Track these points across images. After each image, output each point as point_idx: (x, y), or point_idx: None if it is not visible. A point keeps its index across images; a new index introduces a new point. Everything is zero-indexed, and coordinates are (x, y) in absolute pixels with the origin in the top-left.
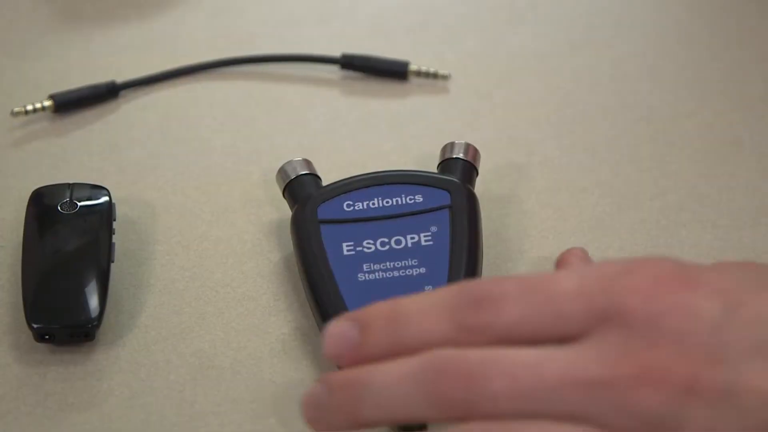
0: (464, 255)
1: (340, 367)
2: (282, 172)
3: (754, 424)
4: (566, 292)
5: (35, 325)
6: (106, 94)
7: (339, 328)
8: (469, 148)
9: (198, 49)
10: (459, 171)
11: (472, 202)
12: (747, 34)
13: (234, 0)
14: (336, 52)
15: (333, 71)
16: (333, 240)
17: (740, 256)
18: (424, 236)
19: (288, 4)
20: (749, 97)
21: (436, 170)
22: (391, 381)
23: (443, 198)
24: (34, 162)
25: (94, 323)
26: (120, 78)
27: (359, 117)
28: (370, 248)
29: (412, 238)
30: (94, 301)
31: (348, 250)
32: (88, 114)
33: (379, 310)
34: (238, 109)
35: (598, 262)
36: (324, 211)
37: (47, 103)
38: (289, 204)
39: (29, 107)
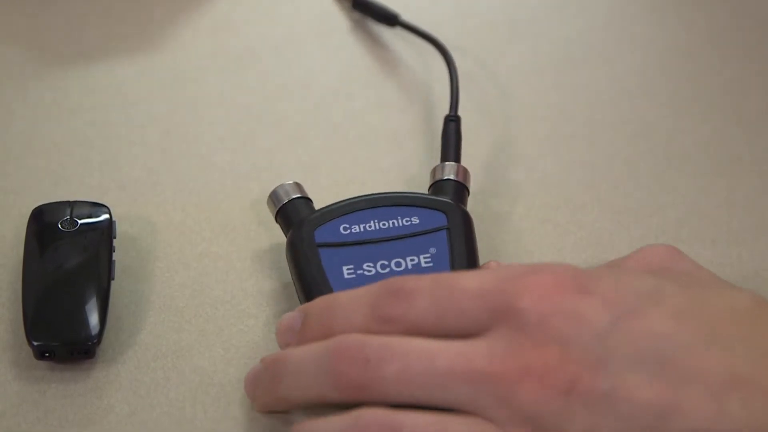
0: None
1: None
2: (274, 196)
3: None
4: (468, 290)
5: (35, 343)
6: None
7: (288, 319)
8: (459, 168)
9: (200, 70)
10: (452, 192)
11: (468, 222)
12: (746, 50)
13: (233, 17)
14: (336, 66)
15: (334, 88)
16: (333, 264)
17: (739, 273)
18: (424, 258)
19: (288, 20)
20: (748, 113)
21: (427, 192)
22: (302, 359)
23: (440, 219)
24: (34, 179)
25: (94, 341)
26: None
27: (358, 134)
28: (371, 271)
29: (412, 260)
30: (94, 319)
31: (349, 274)
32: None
33: (319, 301)
34: (239, 125)
35: (507, 264)
36: (321, 235)
37: None
38: (282, 228)
39: None
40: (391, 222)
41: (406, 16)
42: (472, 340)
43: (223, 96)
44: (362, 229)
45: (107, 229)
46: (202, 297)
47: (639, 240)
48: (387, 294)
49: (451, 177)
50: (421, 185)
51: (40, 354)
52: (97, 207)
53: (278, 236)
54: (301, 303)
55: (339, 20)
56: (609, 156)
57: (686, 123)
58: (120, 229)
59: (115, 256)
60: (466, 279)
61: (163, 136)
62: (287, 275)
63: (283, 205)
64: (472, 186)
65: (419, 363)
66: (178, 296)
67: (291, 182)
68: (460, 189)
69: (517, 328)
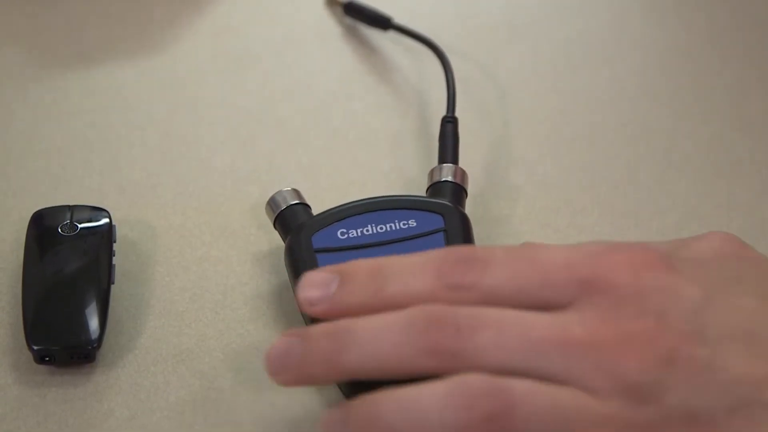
0: None
1: (311, 321)
2: (272, 202)
3: (728, 403)
4: (554, 262)
5: (35, 347)
6: None
7: (319, 276)
8: (457, 170)
9: (200, 72)
10: (449, 194)
11: (465, 224)
12: (747, 53)
13: (235, 20)
14: (333, 70)
15: (332, 91)
16: None
17: None
18: None
19: (289, 23)
20: (749, 116)
21: (425, 194)
22: (380, 329)
23: (437, 222)
24: (34, 182)
25: (95, 345)
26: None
27: (358, 136)
28: None
29: None
30: (94, 323)
31: None
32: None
33: (361, 264)
34: (238, 128)
35: (577, 244)
36: (319, 240)
37: None
38: (280, 234)
39: None
40: (388, 225)
41: (405, 20)
42: (560, 311)
43: (223, 98)
44: (359, 234)
45: (107, 233)
46: (202, 301)
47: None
48: (456, 260)
49: (449, 179)
50: (419, 187)
51: (40, 358)
52: (97, 211)
53: (278, 240)
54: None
55: (332, 26)
56: (609, 159)
57: (686, 125)
58: (120, 232)
59: (115, 260)
60: (550, 252)
61: (163, 139)
62: (287, 279)
63: (281, 211)
64: (471, 188)
65: (513, 332)
66: (178, 300)
67: (289, 188)
68: (457, 191)
69: (612, 300)
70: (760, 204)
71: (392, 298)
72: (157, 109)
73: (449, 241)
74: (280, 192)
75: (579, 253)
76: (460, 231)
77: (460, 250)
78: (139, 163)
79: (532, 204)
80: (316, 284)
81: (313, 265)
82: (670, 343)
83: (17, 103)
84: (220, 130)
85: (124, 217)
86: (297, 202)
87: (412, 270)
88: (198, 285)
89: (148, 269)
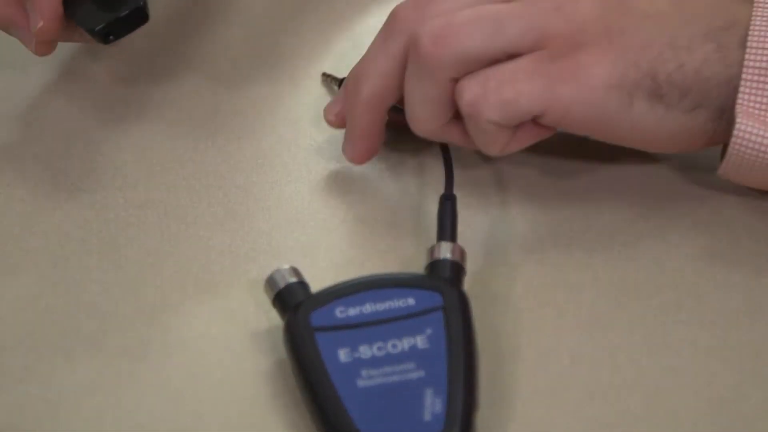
0: (462, 356)
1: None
2: (270, 281)
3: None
4: None
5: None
6: None
7: (331, 105)
8: (455, 248)
9: (198, 151)
10: (448, 272)
11: (464, 302)
12: None
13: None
14: (331, 149)
15: (327, 168)
16: (329, 347)
17: (736, 355)
18: (420, 339)
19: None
20: None
21: (424, 272)
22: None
23: (436, 300)
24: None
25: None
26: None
27: (356, 215)
28: (367, 354)
29: (409, 342)
30: None
31: (345, 357)
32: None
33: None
34: (237, 207)
35: None
36: (317, 318)
37: None
38: (279, 313)
39: None
40: (386, 304)
41: None
42: None
43: (222, 177)
44: (358, 312)
45: None
46: (200, 379)
47: (638, 320)
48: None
49: (447, 257)
50: (417, 265)
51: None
52: None
53: (276, 317)
54: (298, 386)
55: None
56: (606, 236)
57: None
58: (119, 310)
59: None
60: None
61: (161, 218)
62: (285, 356)
63: (280, 290)
64: (469, 266)
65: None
66: (175, 377)
67: (287, 267)
68: (456, 269)
69: None
70: (756, 284)
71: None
72: (156, 189)
73: (448, 320)
74: (278, 270)
75: None
76: (458, 309)
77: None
78: (137, 241)
79: (530, 281)
80: (332, 111)
81: (312, 344)
82: None
83: (17, 183)
84: (219, 209)
85: (122, 295)
86: (295, 280)
87: (384, 40)
88: (196, 363)
89: (144, 346)
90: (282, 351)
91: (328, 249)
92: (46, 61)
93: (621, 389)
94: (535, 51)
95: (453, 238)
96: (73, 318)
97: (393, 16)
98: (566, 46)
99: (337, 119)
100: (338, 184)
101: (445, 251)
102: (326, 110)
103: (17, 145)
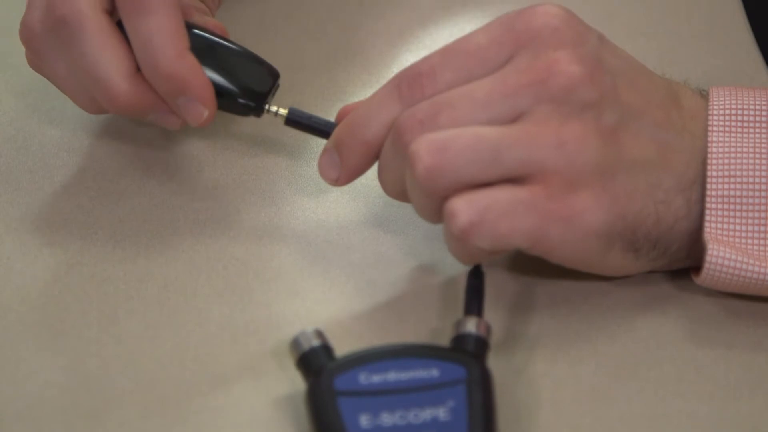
0: (482, 431)
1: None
2: (295, 343)
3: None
4: (480, 42)
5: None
6: None
7: (323, 158)
8: (481, 323)
9: (197, 222)
10: (472, 346)
11: (486, 376)
12: None
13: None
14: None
15: (329, 235)
16: (351, 413)
17: (737, 428)
18: (443, 411)
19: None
20: None
21: (449, 344)
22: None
23: (459, 372)
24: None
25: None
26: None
27: (361, 286)
28: (389, 421)
29: (431, 413)
30: None
31: (366, 423)
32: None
33: (341, 127)
34: (236, 279)
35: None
36: (341, 383)
37: None
38: (302, 375)
39: None
40: (411, 373)
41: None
42: (496, 72)
43: (221, 249)
44: (382, 379)
45: None
46: None
47: (637, 394)
48: (408, 83)
49: (473, 331)
50: (443, 337)
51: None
52: None
53: (275, 391)
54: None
55: None
56: (605, 309)
57: (680, 277)
58: (117, 384)
59: None
60: (472, 37)
61: (161, 291)
62: None
63: (304, 352)
64: (493, 339)
65: (463, 100)
66: None
67: (312, 329)
68: (480, 343)
69: (534, 44)
70: (755, 356)
71: (375, 136)
72: (156, 261)
73: (470, 393)
74: (303, 332)
75: (494, 27)
76: (481, 383)
77: (405, 74)
78: (136, 314)
79: (554, 355)
80: (326, 166)
81: (334, 408)
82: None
83: (15, 255)
84: (218, 281)
85: (121, 368)
86: (320, 344)
87: (377, 108)
88: None
89: (144, 420)
90: (280, 427)
91: (328, 321)
92: (49, 132)
93: None
94: (530, 181)
95: (479, 313)
96: (73, 392)
97: (398, 127)
98: (563, 184)
99: (338, 183)
100: (340, 251)
101: (471, 326)
102: (322, 171)
103: (17, 218)
